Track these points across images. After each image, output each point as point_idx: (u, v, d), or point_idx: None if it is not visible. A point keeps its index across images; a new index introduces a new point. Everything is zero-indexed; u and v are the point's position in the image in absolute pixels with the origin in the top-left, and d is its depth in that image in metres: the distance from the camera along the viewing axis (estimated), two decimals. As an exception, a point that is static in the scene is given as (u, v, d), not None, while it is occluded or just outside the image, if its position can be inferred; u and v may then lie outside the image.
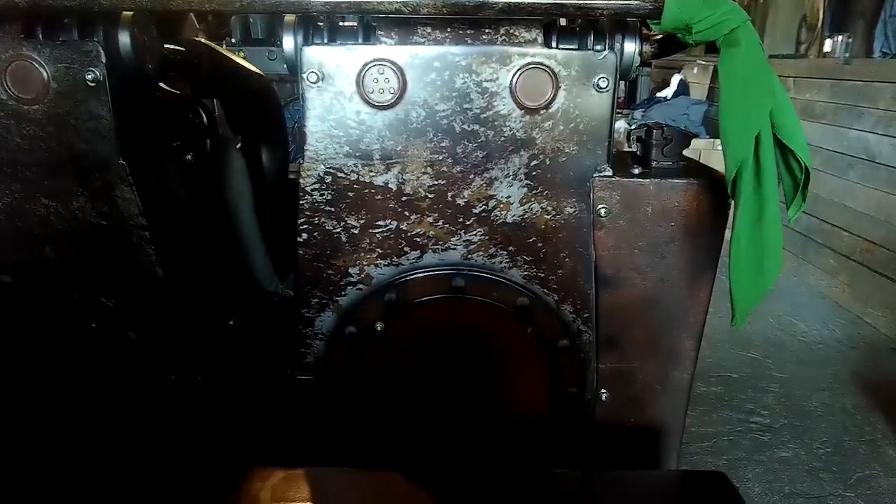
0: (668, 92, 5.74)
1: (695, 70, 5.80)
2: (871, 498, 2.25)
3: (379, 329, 1.19)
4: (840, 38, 5.39)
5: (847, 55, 4.88)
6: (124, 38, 1.08)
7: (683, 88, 5.72)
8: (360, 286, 1.18)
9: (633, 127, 1.28)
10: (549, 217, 1.15)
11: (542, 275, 1.18)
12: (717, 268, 1.22)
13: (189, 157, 1.34)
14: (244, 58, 1.77)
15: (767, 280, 1.04)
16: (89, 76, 1.05)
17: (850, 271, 3.76)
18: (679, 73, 5.84)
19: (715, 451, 2.46)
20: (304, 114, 1.09)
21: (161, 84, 1.29)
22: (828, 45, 5.70)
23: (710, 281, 1.22)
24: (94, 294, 1.19)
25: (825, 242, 3.98)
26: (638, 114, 5.58)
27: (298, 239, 1.15)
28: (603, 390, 1.27)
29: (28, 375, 1.26)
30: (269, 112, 1.70)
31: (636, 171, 1.18)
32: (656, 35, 1.12)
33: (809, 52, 6.06)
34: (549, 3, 0.97)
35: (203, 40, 1.55)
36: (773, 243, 1.03)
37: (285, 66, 1.10)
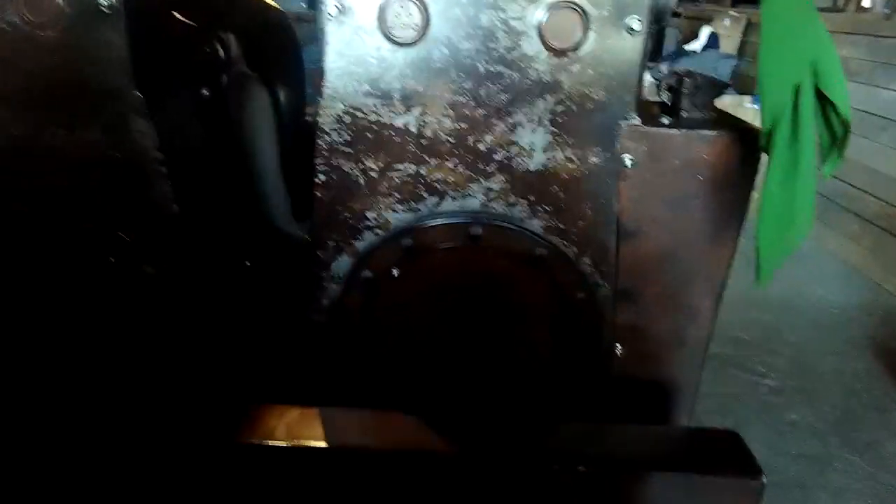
0: (696, 45, 5.54)
1: (726, 22, 5.58)
2: (877, 462, 2.26)
3: (395, 274, 1.18)
4: (881, -9, 5.14)
5: (887, 10, 4.66)
6: None
7: (713, 41, 5.52)
8: (377, 230, 1.17)
9: (660, 78, 1.23)
10: (572, 166, 1.12)
11: (563, 226, 1.16)
12: (742, 226, 1.19)
13: (205, 91, 1.31)
14: (263, -7, 1.71)
15: (797, 235, 1.01)
16: (104, 2, 1.02)
17: (874, 237, 3.69)
18: (709, 24, 5.62)
19: (723, 412, 2.47)
20: (323, 48, 1.05)
21: (176, 14, 1.25)
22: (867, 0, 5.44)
23: (734, 238, 1.19)
24: (111, 227, 1.19)
25: (849, 206, 3.89)
26: (664, 67, 5.40)
27: (315, 180, 1.13)
28: (618, 345, 1.26)
29: (43, 307, 1.27)
30: (286, 48, 1.66)
31: (665, 120, 1.13)
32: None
33: (847, 7, 5.79)
34: (584, -64, 0.92)
35: (219, -28, 1.50)
36: (806, 198, 0.99)
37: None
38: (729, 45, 5.51)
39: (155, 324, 1.28)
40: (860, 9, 5.39)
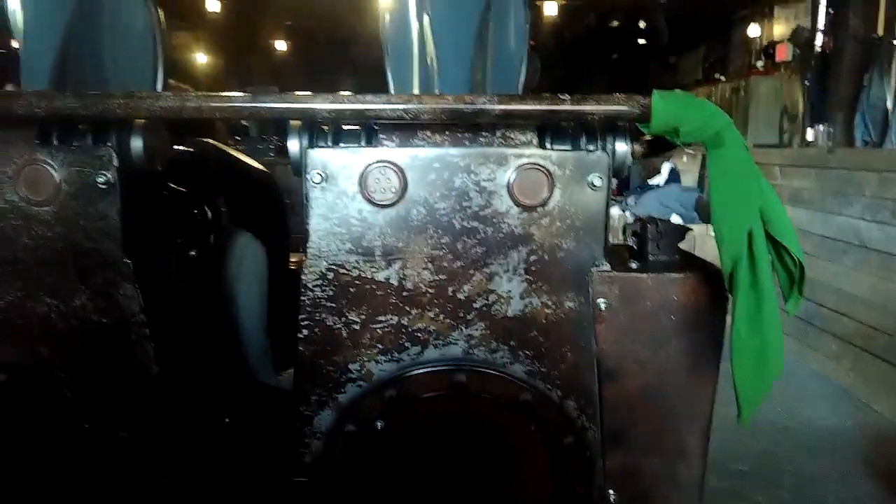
0: (659, 179, 5.92)
1: (684, 159, 6.01)
2: None
3: (379, 427, 1.16)
4: (821, 127, 5.63)
5: (830, 143, 5.08)
6: (136, 143, 1.12)
7: (674, 176, 5.90)
8: (361, 382, 1.17)
9: (626, 215, 1.31)
10: (549, 311, 1.16)
11: (545, 369, 1.17)
12: (721, 357, 1.21)
13: (193, 252, 1.36)
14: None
15: (770, 374, 1.04)
16: (101, 179, 1.08)
17: (854, 356, 3.73)
18: (669, 161, 6.05)
19: (731, 551, 2.34)
20: (308, 212, 1.12)
21: (171, 185, 1.33)
22: (810, 135, 5.94)
23: (714, 372, 1.21)
24: (88, 393, 1.17)
25: (825, 327, 3.97)
26: (631, 200, 5.72)
27: (299, 335, 1.15)
28: (611, 490, 1.23)
29: (18, 475, 1.22)
30: (271, 204, 1.75)
31: (633, 265, 1.19)
32: (646, 135, 1.17)
33: (793, 142, 6.29)
34: (543, 109, 1.03)
35: (210, 140, 1.62)
36: (774, 337, 1.03)
37: (290, 167, 1.14)
38: (688, 178, 5.89)
39: (128, 488, 1.22)
40: (805, 143, 5.86)
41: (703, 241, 4.51)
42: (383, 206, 1.11)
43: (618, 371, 1.18)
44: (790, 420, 3.39)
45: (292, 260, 1.75)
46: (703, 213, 5.21)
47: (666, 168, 5.98)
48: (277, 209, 1.74)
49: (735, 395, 1.06)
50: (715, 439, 1.26)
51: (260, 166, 1.77)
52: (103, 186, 1.08)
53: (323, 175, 1.10)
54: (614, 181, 1.24)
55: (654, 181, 6.05)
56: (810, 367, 4.04)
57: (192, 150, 1.44)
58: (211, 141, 1.60)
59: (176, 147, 1.36)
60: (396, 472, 1.21)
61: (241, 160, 1.71)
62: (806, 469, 2.92)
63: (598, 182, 1.11)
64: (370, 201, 1.11)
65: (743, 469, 2.90)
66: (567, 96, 1.04)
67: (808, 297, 4.05)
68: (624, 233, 1.34)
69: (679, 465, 1.25)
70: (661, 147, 1.17)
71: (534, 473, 1.21)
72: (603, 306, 1.16)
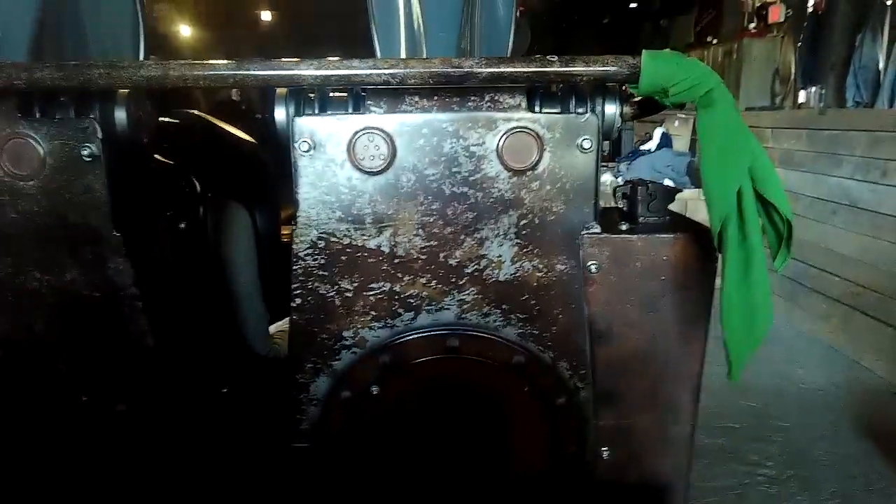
0: (651, 145, 5.88)
1: (676, 123, 5.97)
2: (884, 549, 2.18)
3: (374, 392, 1.18)
4: (813, 89, 5.61)
5: (822, 105, 5.06)
6: (120, 115, 1.10)
7: (666, 141, 5.87)
8: (355, 349, 1.18)
9: (619, 181, 1.31)
10: (540, 274, 1.16)
11: (537, 332, 1.18)
12: (711, 318, 1.23)
13: (182, 225, 1.35)
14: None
15: (760, 331, 1.05)
16: (85, 152, 1.07)
17: (842, 315, 3.78)
18: (661, 126, 6.01)
19: (723, 506, 2.40)
20: (296, 181, 1.11)
21: (155, 155, 1.31)
22: (802, 97, 5.92)
23: (703, 332, 1.23)
24: (84, 367, 1.18)
25: (814, 287, 4.01)
26: (623, 166, 5.70)
27: (292, 304, 1.15)
28: (604, 448, 1.25)
29: (17, 449, 1.23)
30: (258, 175, 1.74)
31: (623, 227, 1.20)
32: (636, 97, 1.16)
33: (785, 104, 6.27)
34: (531, 71, 1.02)
35: (195, 111, 1.60)
36: (762, 295, 1.04)
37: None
38: (681, 143, 5.86)
39: (127, 460, 1.24)
40: (797, 106, 5.84)
41: (695, 206, 4.52)
42: (372, 174, 1.10)
43: (609, 332, 1.20)
44: (782, 380, 3.44)
45: (284, 232, 1.75)
46: (696, 177, 5.20)
47: (658, 133, 5.94)
48: (266, 180, 1.72)
49: (725, 352, 1.07)
50: (705, 398, 1.29)
51: (247, 137, 1.75)
52: (88, 159, 1.07)
53: (311, 143, 1.09)
54: (606, 145, 1.23)
55: (645, 147, 6.01)
56: (799, 327, 4.09)
57: (176, 120, 1.43)
58: (196, 112, 1.58)
59: (161, 118, 1.34)
60: (393, 437, 1.23)
61: (227, 131, 1.69)
62: (797, 427, 2.98)
63: (587, 144, 1.11)
64: (359, 169, 1.10)
65: (734, 427, 2.95)
66: (555, 58, 1.03)
67: (797, 257, 4.08)
68: (615, 194, 1.34)
69: (670, 423, 1.27)
70: (650, 108, 1.16)
71: (528, 434, 1.23)
72: (594, 269, 1.17)
